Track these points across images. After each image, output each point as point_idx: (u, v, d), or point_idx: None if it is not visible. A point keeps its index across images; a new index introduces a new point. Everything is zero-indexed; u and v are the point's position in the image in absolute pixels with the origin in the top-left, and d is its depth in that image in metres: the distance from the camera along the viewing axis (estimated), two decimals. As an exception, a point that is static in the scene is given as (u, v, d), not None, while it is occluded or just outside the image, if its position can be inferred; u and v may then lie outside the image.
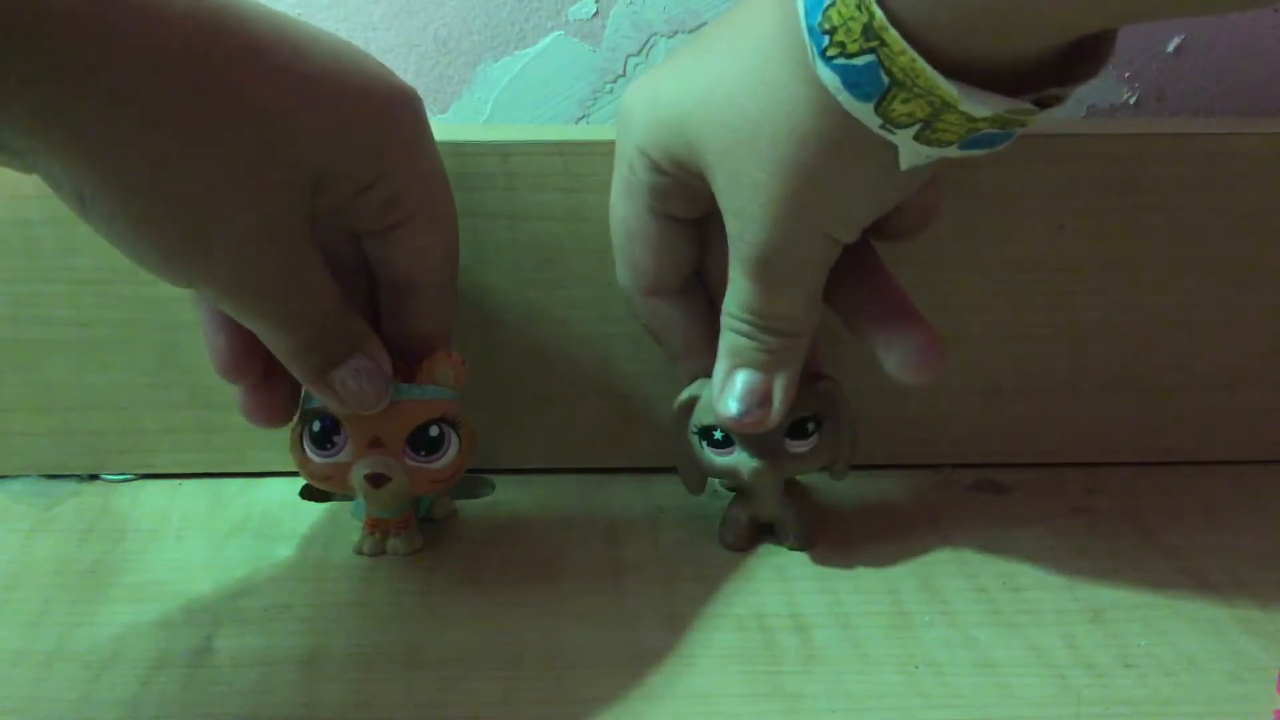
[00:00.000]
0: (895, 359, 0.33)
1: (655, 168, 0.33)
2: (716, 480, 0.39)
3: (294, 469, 0.35)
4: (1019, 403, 0.42)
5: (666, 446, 0.37)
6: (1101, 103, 0.44)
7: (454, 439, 0.35)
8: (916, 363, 0.33)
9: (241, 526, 0.38)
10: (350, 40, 0.31)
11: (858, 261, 0.34)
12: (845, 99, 0.27)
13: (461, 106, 0.43)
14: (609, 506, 0.40)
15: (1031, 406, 0.42)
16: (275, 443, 0.37)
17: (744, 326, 0.33)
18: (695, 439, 0.36)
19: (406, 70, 0.42)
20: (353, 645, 0.32)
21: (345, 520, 0.38)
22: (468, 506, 0.40)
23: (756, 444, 0.35)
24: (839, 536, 0.38)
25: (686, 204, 0.34)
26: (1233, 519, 0.39)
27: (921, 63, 0.25)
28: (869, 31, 0.26)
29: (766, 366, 0.33)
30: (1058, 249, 0.39)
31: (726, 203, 0.31)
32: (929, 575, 0.36)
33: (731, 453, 0.35)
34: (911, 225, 0.33)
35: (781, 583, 0.35)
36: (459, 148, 0.37)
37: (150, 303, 0.39)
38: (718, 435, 0.35)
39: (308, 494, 0.38)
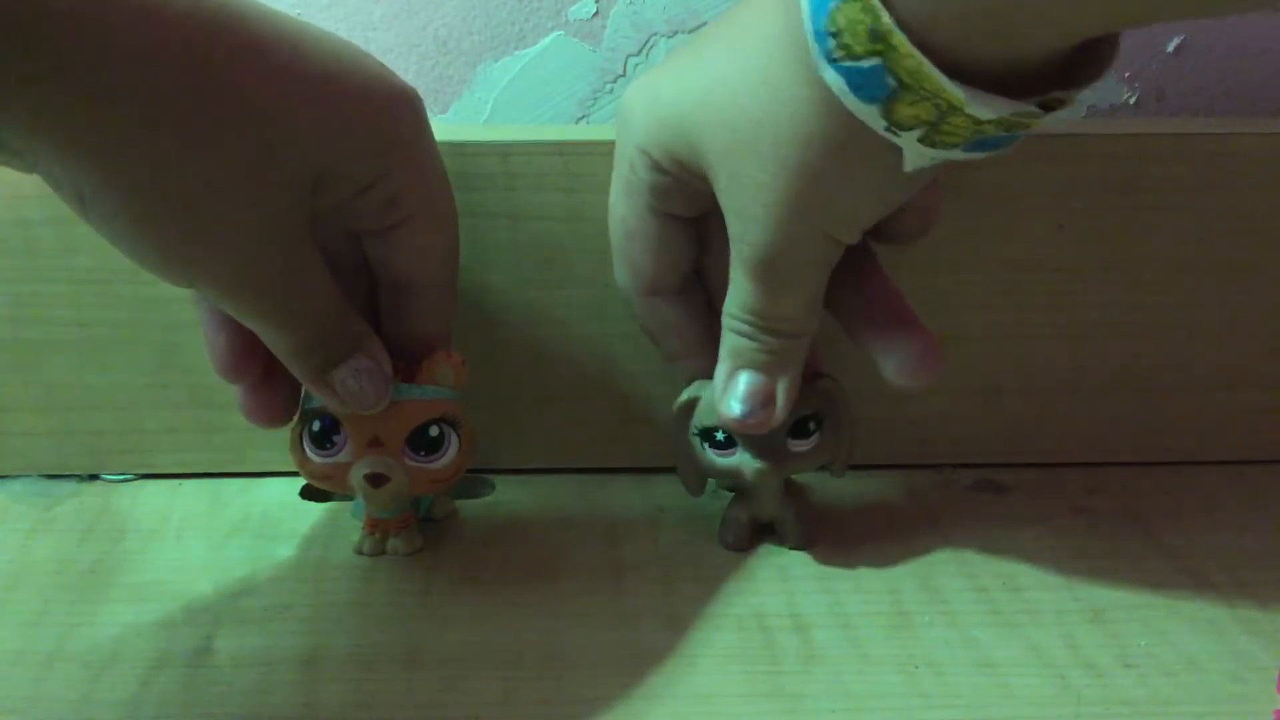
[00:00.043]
0: (893, 365, 0.33)
1: (656, 167, 0.33)
2: (713, 480, 0.39)
3: (294, 469, 0.35)
4: (1019, 403, 0.42)
5: (666, 446, 0.37)
6: (1101, 103, 0.44)
7: (454, 439, 0.35)
8: (913, 369, 0.33)
9: (241, 526, 0.38)
10: (350, 40, 0.31)
11: (856, 264, 0.34)
12: (851, 101, 0.27)
13: (461, 106, 0.43)
14: (609, 506, 0.40)
15: (1031, 406, 0.42)
16: (275, 443, 0.37)
17: (746, 328, 0.33)
18: (696, 441, 0.36)
19: (406, 70, 0.42)
20: (353, 645, 0.32)
21: (345, 520, 0.38)
22: (468, 506, 0.40)
23: (759, 445, 0.35)
24: (839, 536, 0.38)
25: (686, 203, 0.34)
26: (1233, 519, 0.39)
27: (929, 65, 0.25)
28: (875, 34, 0.25)
29: (769, 367, 0.33)
30: (1058, 249, 0.39)
31: (728, 203, 0.31)
32: (929, 575, 0.36)
33: (734, 454, 0.35)
34: (912, 229, 0.33)
35: (782, 583, 0.35)
36: (459, 148, 0.37)
37: (150, 303, 0.39)
38: (719, 436, 0.35)
39: (308, 494, 0.38)
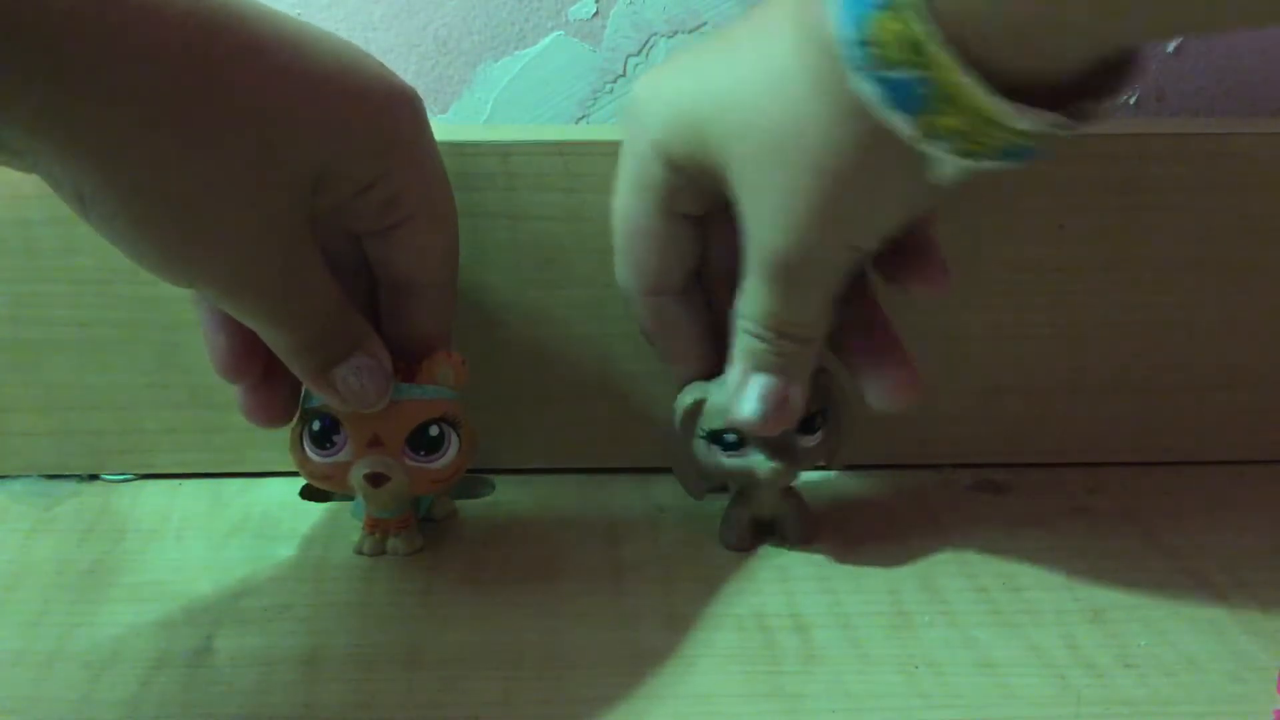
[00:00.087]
0: (873, 391, 0.35)
1: (671, 164, 0.32)
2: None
3: (294, 469, 0.35)
4: (1019, 403, 0.42)
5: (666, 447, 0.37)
6: (1101, 103, 0.43)
7: (454, 439, 0.35)
8: (890, 400, 0.34)
9: (241, 526, 0.38)
10: (350, 40, 0.31)
11: (851, 281, 0.34)
12: (884, 111, 0.26)
13: (461, 106, 0.43)
14: (609, 506, 0.40)
15: (1031, 406, 0.42)
16: (275, 443, 0.37)
17: (760, 330, 0.33)
18: (703, 443, 0.36)
19: (406, 70, 0.42)
20: (353, 645, 0.32)
21: (345, 520, 0.38)
22: (468, 506, 0.40)
23: (772, 445, 0.35)
24: (839, 536, 0.38)
25: (696, 201, 0.33)
26: (1233, 519, 0.39)
27: (970, 79, 0.25)
28: (912, 45, 0.25)
29: (782, 370, 0.33)
30: (1058, 249, 0.39)
31: (749, 207, 0.31)
32: (929, 575, 0.36)
33: (745, 454, 0.35)
34: (915, 263, 0.34)
35: (782, 583, 0.35)
36: (459, 148, 0.37)
37: (150, 303, 0.39)
38: (729, 438, 0.35)
39: (308, 494, 0.38)
